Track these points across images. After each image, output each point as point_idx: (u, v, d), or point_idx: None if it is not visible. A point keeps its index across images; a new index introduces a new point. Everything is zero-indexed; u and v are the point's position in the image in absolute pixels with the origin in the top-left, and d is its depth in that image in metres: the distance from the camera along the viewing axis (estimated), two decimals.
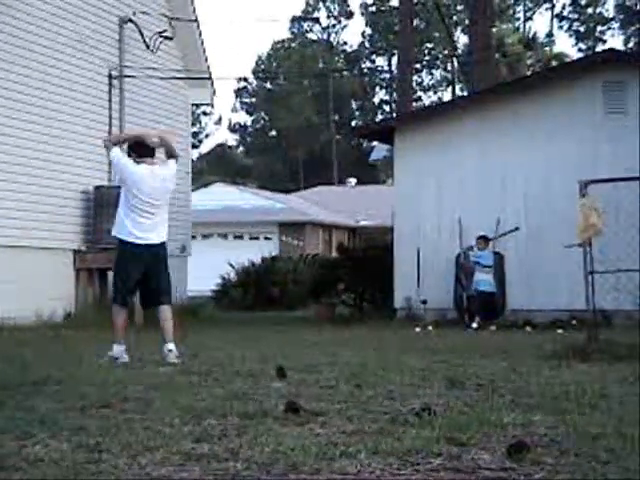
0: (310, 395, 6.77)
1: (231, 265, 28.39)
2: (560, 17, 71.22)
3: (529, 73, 45.47)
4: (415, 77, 65.10)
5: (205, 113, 76.66)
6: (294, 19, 78.62)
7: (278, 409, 5.97)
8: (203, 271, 27.22)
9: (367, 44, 77.47)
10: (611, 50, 21.90)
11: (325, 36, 79.22)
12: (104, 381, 7.64)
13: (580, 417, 5.69)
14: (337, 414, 5.85)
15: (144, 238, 9.79)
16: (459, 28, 64.37)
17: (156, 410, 6.06)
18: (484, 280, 17.69)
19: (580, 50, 63.42)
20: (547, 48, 63.93)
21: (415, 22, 48.40)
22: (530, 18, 69.77)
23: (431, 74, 76.72)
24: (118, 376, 8.08)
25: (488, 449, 4.76)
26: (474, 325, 17.03)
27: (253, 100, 78.99)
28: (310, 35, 79.48)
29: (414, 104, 51.65)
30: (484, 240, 17.83)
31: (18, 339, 12.76)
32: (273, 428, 5.35)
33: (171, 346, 9.70)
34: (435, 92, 76.58)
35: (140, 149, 9.97)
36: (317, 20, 78.74)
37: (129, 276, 9.90)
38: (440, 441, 4.91)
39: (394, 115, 52.31)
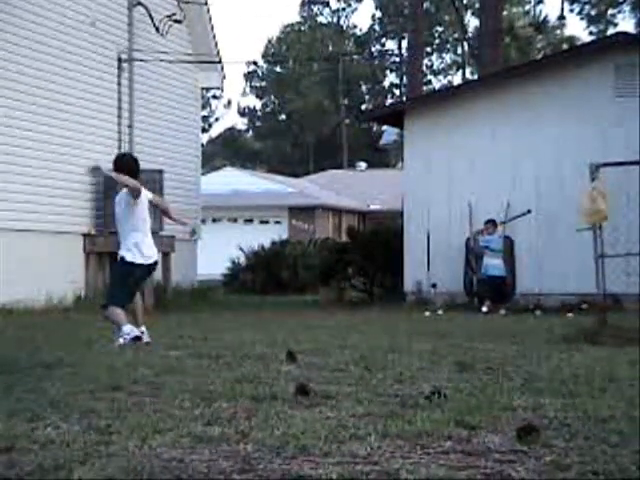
0: (320, 378, 6.79)
1: (241, 249, 28.42)
2: (571, 0, 70.85)
3: (540, 56, 45.36)
4: (425, 60, 64.88)
5: (215, 97, 76.52)
6: (304, 2, 78.40)
7: (288, 392, 5.98)
8: (213, 255, 27.27)
9: (377, 27, 77.20)
10: (622, 33, 21.78)
11: (335, 19, 78.97)
12: (114, 364, 7.66)
13: (590, 400, 5.69)
14: (347, 397, 5.87)
15: (153, 256, 10.18)
16: (469, 11, 64.04)
17: (166, 393, 6.08)
18: (493, 264, 17.66)
19: (591, 33, 62.92)
20: (558, 31, 63.67)
21: (425, 5, 48.18)
22: (541, 1, 69.17)
23: (441, 57, 76.41)
24: (128, 359, 8.10)
25: (498, 432, 4.77)
26: (484, 309, 17.02)
27: (263, 84, 78.83)
28: (320, 18, 79.22)
29: (424, 87, 51.50)
30: (493, 224, 17.79)
31: (29, 322, 12.81)
32: (283, 411, 5.36)
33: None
34: (445, 76, 76.32)
35: (134, 174, 10.05)
36: (327, 3, 78.50)
37: (137, 284, 10.27)
38: (450, 424, 4.91)
39: (404, 99, 52.20)
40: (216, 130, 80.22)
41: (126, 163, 10.23)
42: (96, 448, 4.37)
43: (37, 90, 16.89)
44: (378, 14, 76.73)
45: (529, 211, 17.77)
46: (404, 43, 70.02)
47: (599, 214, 10.98)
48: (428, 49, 69.47)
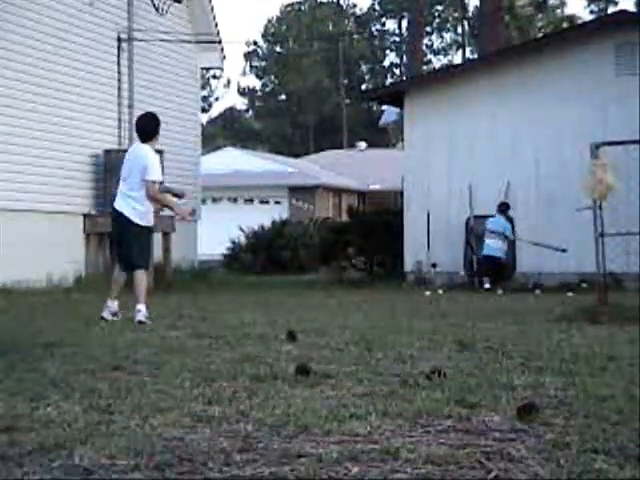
0: (320, 358, 6.80)
1: (241, 229, 28.42)
2: None
3: (540, 36, 45.22)
4: (425, 40, 64.72)
5: (215, 77, 76.34)
6: None
7: (289, 371, 5.99)
8: (213, 235, 27.26)
9: (377, 6, 76.97)
10: (623, 12, 21.72)
11: None
12: (115, 344, 7.68)
13: (590, 379, 5.70)
14: (347, 376, 5.88)
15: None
16: None
17: (167, 372, 6.09)
18: (489, 245, 17.56)
19: (592, 12, 62.76)
20: (558, 10, 63.46)
21: None
22: None
23: (441, 37, 76.24)
24: (129, 339, 8.12)
25: (498, 411, 4.77)
26: (487, 285, 17.00)
27: (263, 64, 78.65)
28: None
29: (424, 67, 51.39)
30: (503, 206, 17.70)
31: (29, 303, 12.82)
32: (284, 390, 5.37)
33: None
34: (445, 55, 76.17)
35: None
36: None
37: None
38: (450, 403, 4.92)
39: (404, 78, 52.10)
40: (216, 110, 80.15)
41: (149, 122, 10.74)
42: (97, 427, 4.38)
43: (37, 70, 16.84)
44: None
45: (564, 250, 17.39)
46: (404, 22, 69.84)
47: (602, 185, 10.87)
48: (428, 28, 69.29)
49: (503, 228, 17.62)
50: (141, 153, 10.44)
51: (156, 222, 11.06)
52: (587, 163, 11.44)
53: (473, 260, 18.08)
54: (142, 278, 10.27)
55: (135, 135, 10.96)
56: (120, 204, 10.41)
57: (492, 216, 17.83)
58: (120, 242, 10.60)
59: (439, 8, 73.30)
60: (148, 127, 10.61)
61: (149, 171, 10.21)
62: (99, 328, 9.25)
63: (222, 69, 28.80)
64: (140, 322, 9.79)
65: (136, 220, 10.33)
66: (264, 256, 27.04)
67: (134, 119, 18.92)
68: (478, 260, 17.85)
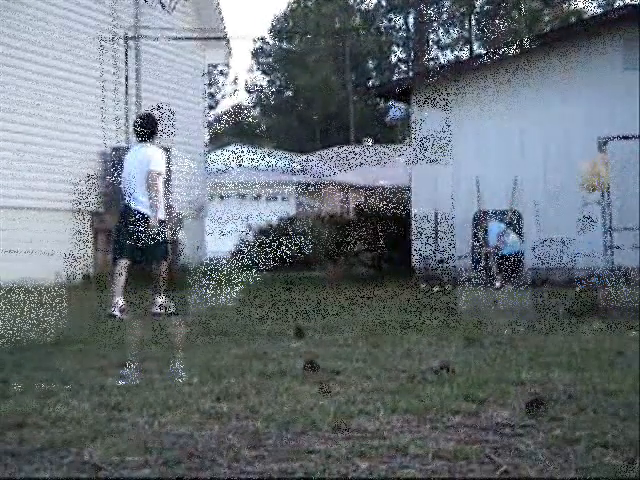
0: (329, 354, 6.80)
1: (249, 226, 28.42)
2: None
3: (547, 30, 45.13)
4: (432, 35, 64.61)
5: (222, 73, 76.33)
6: None
7: (297, 368, 5.99)
8: (220, 232, 27.27)
9: (384, 2, 76.83)
10: (631, 6, 21.64)
11: None
12: (123, 341, 7.69)
13: (598, 373, 5.69)
14: (355, 373, 5.88)
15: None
16: None
17: (175, 369, 6.09)
18: (514, 241, 17.46)
19: (599, 6, 62.61)
20: (565, 5, 63.32)
21: None
22: None
23: (448, 32, 76.07)
24: (136, 336, 8.12)
25: (506, 406, 4.77)
26: (497, 284, 16.95)
27: (269, 60, 78.61)
28: None
29: (431, 63, 51.31)
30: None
31: (37, 300, 12.82)
32: (292, 387, 5.38)
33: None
34: (452, 51, 75.99)
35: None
36: None
37: None
38: (458, 398, 4.92)
39: (411, 74, 52.03)
40: (223, 107, 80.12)
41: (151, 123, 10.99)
42: (106, 424, 4.39)
43: (44, 68, 16.86)
44: None
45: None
46: (411, 18, 69.73)
47: (597, 178, 10.88)
48: (435, 24, 69.17)
49: (502, 225, 17.64)
50: (142, 151, 10.70)
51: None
52: (591, 154, 11.45)
53: (481, 255, 18.04)
54: (165, 269, 10.85)
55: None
56: (137, 204, 10.52)
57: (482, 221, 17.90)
58: (141, 239, 10.67)
59: (446, 3, 73.15)
60: (148, 128, 10.85)
61: (152, 162, 10.46)
62: (107, 325, 9.26)
63: (229, 66, 28.78)
64: (155, 314, 10.00)
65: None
66: (272, 252, 27.04)
67: None
68: (486, 256, 17.79)
